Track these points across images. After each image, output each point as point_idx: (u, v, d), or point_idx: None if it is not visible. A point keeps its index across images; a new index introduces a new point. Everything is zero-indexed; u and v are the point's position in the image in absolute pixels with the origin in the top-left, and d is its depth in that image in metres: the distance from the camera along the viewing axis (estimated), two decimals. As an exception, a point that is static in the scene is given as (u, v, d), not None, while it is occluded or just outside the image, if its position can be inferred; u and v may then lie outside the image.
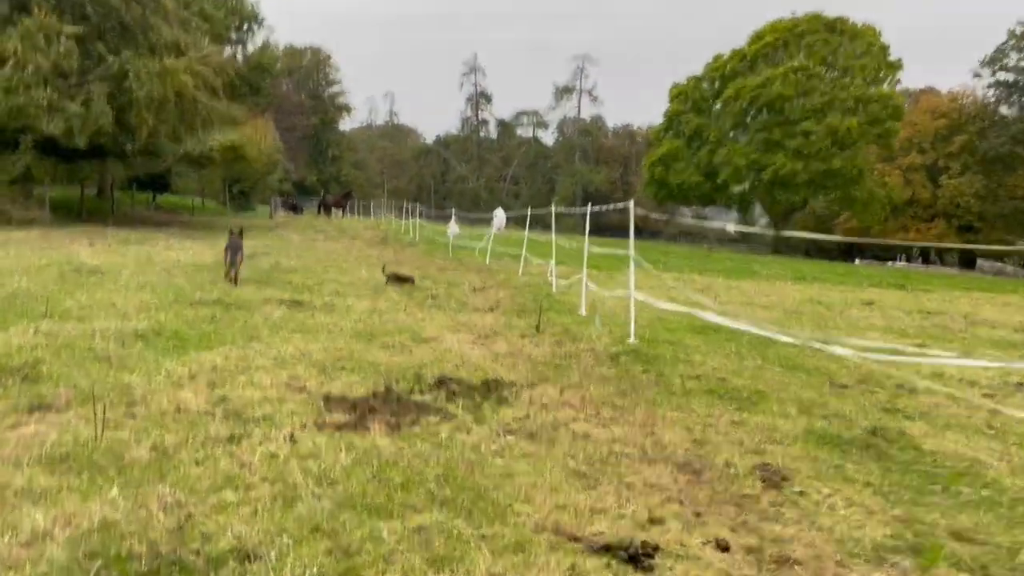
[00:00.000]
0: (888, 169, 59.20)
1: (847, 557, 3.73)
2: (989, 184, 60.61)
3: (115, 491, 3.83)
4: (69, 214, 29.93)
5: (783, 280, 23.39)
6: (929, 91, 71.35)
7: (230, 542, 3.37)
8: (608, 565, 3.48)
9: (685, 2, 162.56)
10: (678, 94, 60.53)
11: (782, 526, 4.05)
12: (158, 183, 46.34)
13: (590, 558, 3.53)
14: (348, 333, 8.77)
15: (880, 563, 3.70)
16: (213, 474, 4.13)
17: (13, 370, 5.96)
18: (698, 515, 4.12)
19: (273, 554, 3.29)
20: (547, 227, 22.48)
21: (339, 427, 5.14)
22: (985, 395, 7.71)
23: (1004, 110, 63.70)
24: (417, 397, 6.11)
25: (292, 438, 4.79)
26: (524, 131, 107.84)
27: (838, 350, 7.24)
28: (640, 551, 3.57)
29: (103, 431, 4.64)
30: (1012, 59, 59.89)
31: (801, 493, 4.55)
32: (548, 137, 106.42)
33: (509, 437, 5.24)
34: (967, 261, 60.26)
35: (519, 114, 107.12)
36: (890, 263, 53.61)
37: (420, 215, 34.40)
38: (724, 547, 3.75)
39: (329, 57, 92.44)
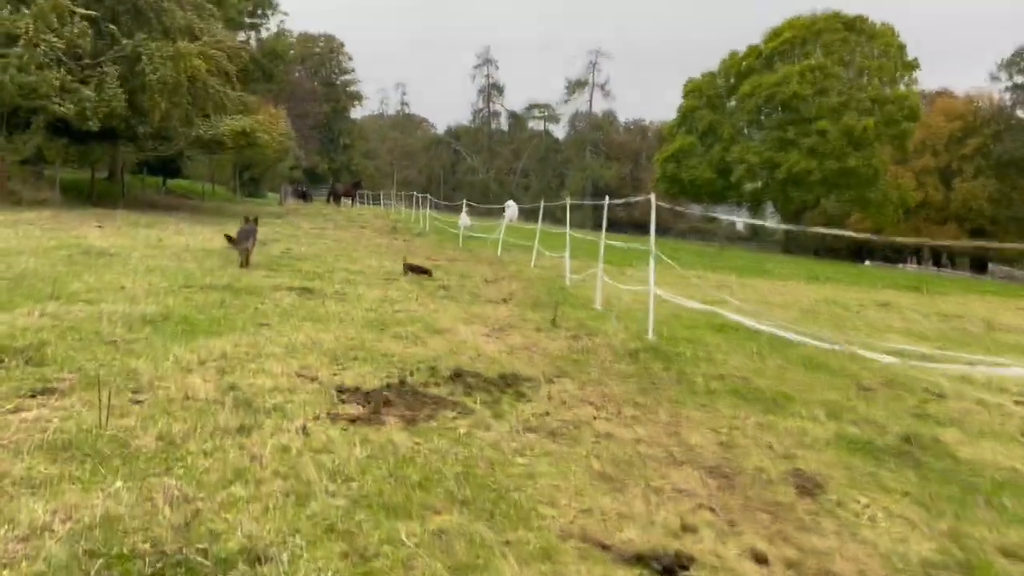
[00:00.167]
0: (901, 171, 58.71)
1: (893, 574, 3.51)
2: (1003, 188, 60.14)
3: (119, 482, 3.63)
4: (79, 196, 29.81)
5: (796, 280, 23.11)
6: (944, 93, 70.76)
7: (240, 542, 3.17)
8: (641, 576, 3.27)
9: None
10: (693, 90, 60.05)
11: (821, 538, 3.83)
12: (169, 167, 46.31)
13: (622, 569, 3.32)
14: (360, 322, 8.56)
15: (928, 581, 3.48)
16: (222, 467, 3.92)
17: (17, 352, 5.76)
18: (732, 524, 3.90)
19: (285, 556, 3.09)
20: (556, 220, 22.31)
21: (353, 420, 4.93)
22: (1016, 402, 7.45)
23: (1021, 113, 63.17)
24: (433, 390, 5.90)
25: (304, 430, 4.59)
26: (535, 124, 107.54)
27: (886, 358, 7.00)
28: (675, 562, 3.35)
29: (108, 418, 4.44)
30: (1031, 62, 59.34)
31: (838, 503, 4.32)
32: (559, 131, 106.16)
33: (529, 435, 5.03)
34: (978, 265, 59.79)
35: (531, 107, 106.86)
36: (900, 265, 53.22)
37: (430, 206, 34.15)
38: (762, 559, 3.53)
39: (342, 45, 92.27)
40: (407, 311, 9.71)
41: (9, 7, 23.40)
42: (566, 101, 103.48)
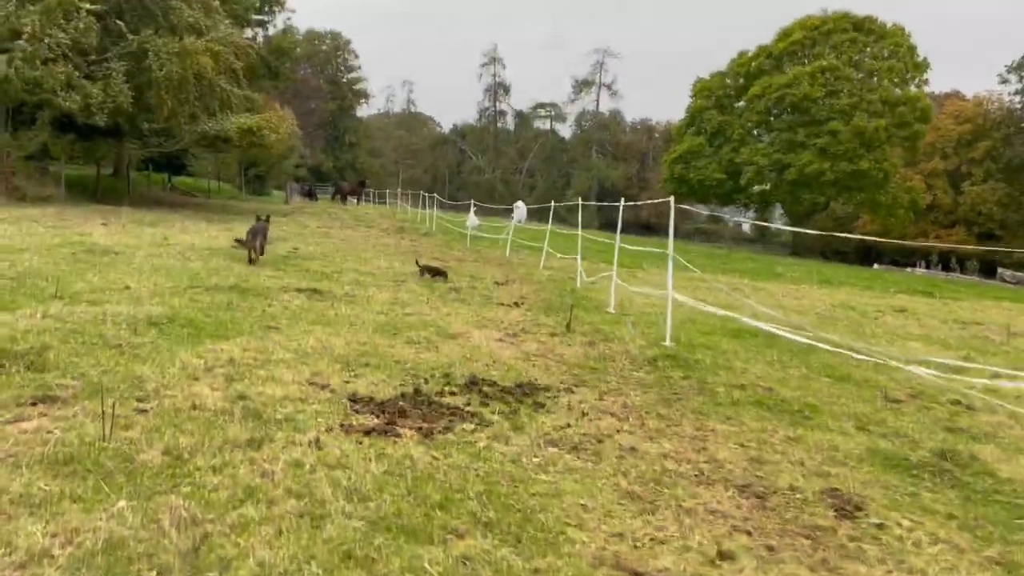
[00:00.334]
0: (910, 174, 58.32)
1: (949, 608, 3.29)
2: (1012, 192, 59.65)
3: (123, 502, 3.42)
4: (84, 193, 29.63)
5: (808, 283, 22.81)
6: (954, 95, 70.29)
7: (252, 570, 2.96)
8: (681, 610, 3.04)
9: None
10: (702, 90, 59.69)
11: (867, 567, 3.60)
12: (174, 164, 46.16)
13: (660, 601, 3.10)
14: (371, 326, 8.35)
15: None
16: (232, 484, 3.71)
17: (18, 356, 5.56)
18: (771, 550, 3.68)
19: (301, 587, 2.87)
20: (560, 220, 22.11)
21: (367, 431, 4.72)
22: (1049, 415, 7.20)
23: (1031, 117, 62.63)
24: (448, 399, 5.68)
25: (317, 443, 4.38)
26: (541, 123, 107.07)
27: (921, 370, 6.75)
28: (717, 595, 3.13)
29: (111, 429, 4.23)
30: (1041, 65, 58.83)
31: (880, 526, 4.09)
32: (565, 130, 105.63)
33: (551, 449, 4.81)
34: (987, 270, 59.34)
35: (537, 106, 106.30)
36: (909, 269, 52.80)
37: (436, 205, 33.93)
38: (807, 591, 3.30)
39: (349, 42, 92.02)
40: (418, 314, 9.50)
41: (15, 3, 23.23)
42: (572, 100, 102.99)
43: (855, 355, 6.88)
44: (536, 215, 39.52)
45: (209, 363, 5.97)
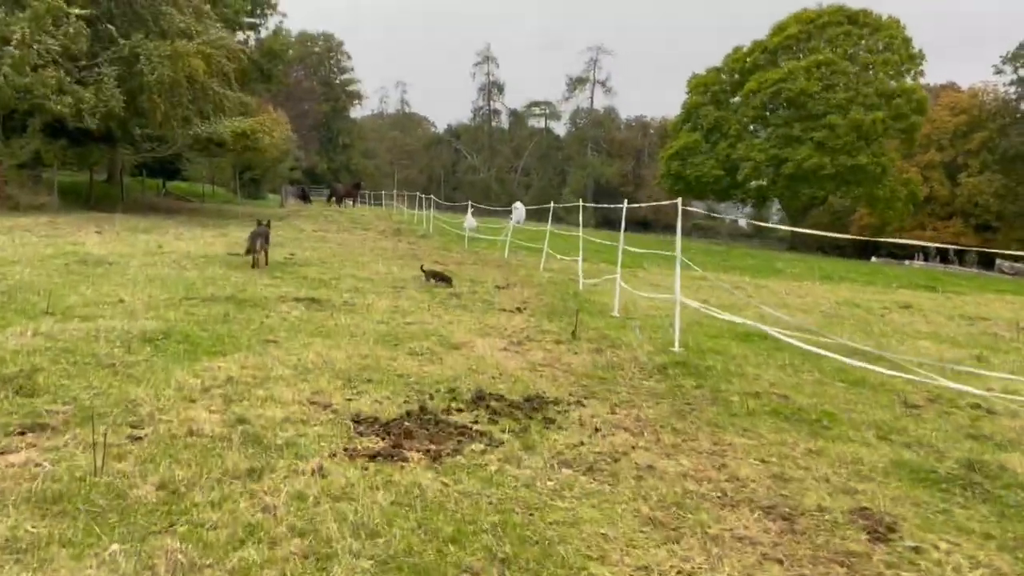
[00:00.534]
0: (906, 166, 58.18)
1: (1001, 645, 3.08)
2: (1008, 183, 59.53)
3: (115, 545, 3.20)
4: (78, 200, 29.38)
5: (810, 280, 22.63)
6: (949, 87, 70.19)
7: (255, 623, 2.74)
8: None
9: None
10: (697, 85, 59.45)
11: (909, 597, 3.39)
12: (168, 169, 45.87)
13: (695, 647, 2.88)
14: (372, 337, 8.13)
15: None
16: (232, 522, 3.49)
17: (6, 380, 5.34)
18: (806, 580, 3.47)
19: (309, 642, 2.66)
20: (557, 219, 21.91)
21: (373, 456, 4.50)
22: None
23: (1026, 107, 62.54)
24: (455, 417, 5.46)
25: (321, 471, 4.16)
26: (536, 122, 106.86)
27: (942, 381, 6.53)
28: (756, 639, 2.92)
29: (104, 460, 4.00)
30: (1036, 55, 58.70)
31: (916, 549, 3.88)
32: (560, 128, 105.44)
33: (565, 470, 4.60)
34: (986, 261, 59.24)
35: (531, 104, 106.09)
36: (907, 261, 52.64)
37: (433, 206, 33.69)
38: (849, 628, 3.09)
39: (341, 44, 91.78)
40: (420, 323, 9.28)
41: (3, 9, 22.95)
42: (567, 98, 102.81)
43: (873, 368, 6.64)
44: (534, 215, 39.33)
45: (206, 382, 5.75)
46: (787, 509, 4.29)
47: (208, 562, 3.13)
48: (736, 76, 57.84)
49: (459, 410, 5.66)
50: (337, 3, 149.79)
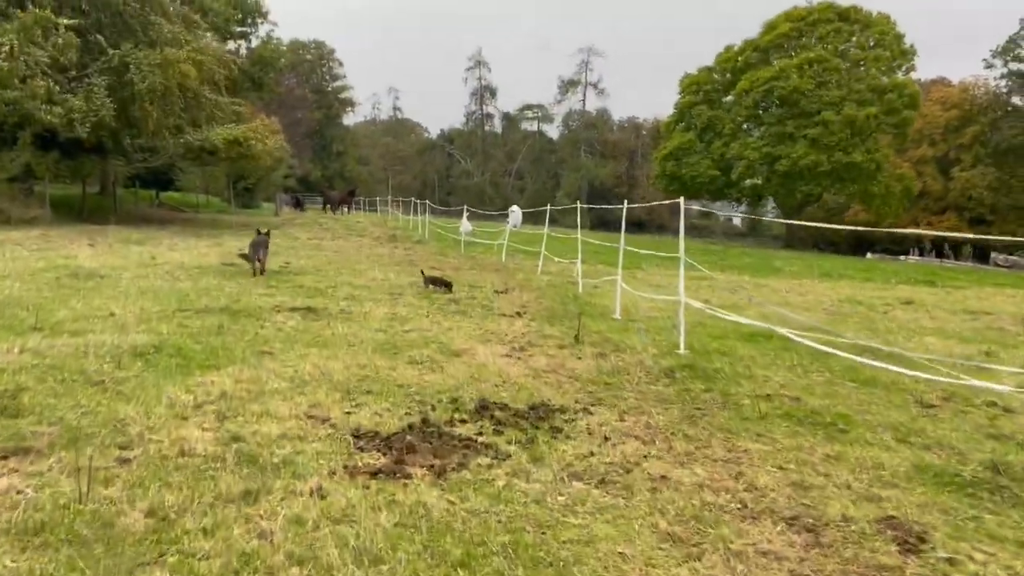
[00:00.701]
0: (899, 162, 58.14)
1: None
2: (1001, 176, 59.53)
3: (101, 580, 2.98)
4: (70, 212, 29.10)
5: (809, 277, 22.47)
6: (940, 82, 70.23)
7: (251, 665, 2.52)
8: None
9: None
10: (689, 85, 59.36)
11: (949, 615, 3.19)
12: (162, 180, 45.60)
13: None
14: (370, 346, 7.92)
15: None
16: (225, 550, 3.27)
17: (-10, 400, 5.12)
18: (838, 599, 3.26)
19: None
20: (552, 221, 21.71)
21: (374, 473, 4.29)
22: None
23: (1017, 100, 62.56)
24: (459, 429, 5.25)
25: (320, 492, 3.94)
26: (529, 125, 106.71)
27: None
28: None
29: (90, 486, 3.79)
30: (1025, 48, 58.74)
31: (951, 561, 3.68)
32: (553, 131, 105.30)
33: (576, 483, 4.39)
34: (980, 255, 59.19)
35: (524, 108, 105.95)
36: (903, 257, 52.58)
37: (428, 211, 33.47)
38: (889, 651, 2.89)
39: (333, 51, 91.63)
40: (419, 330, 9.07)
41: (-10, 21, 22.72)
42: (559, 101, 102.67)
43: (891, 367, 6.43)
44: (529, 218, 39.11)
45: (199, 398, 5.53)
46: (811, 520, 4.08)
47: (200, 597, 2.91)
48: (728, 75, 57.76)
49: (462, 421, 5.45)
50: (327, 11, 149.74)
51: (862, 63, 53.22)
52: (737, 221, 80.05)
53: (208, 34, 31.97)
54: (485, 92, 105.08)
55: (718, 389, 6.88)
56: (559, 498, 4.15)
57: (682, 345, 8.48)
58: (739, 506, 4.21)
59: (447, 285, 12.71)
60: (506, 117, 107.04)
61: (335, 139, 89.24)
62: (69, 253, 15.88)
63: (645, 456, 4.95)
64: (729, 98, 57.76)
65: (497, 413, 5.68)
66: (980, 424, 6.26)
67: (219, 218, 37.51)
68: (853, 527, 4.02)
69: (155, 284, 11.72)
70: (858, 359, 6.59)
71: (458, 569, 3.28)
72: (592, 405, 6.14)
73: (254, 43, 44.17)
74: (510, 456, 4.75)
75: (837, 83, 51.23)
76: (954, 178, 60.99)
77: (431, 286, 12.67)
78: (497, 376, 6.91)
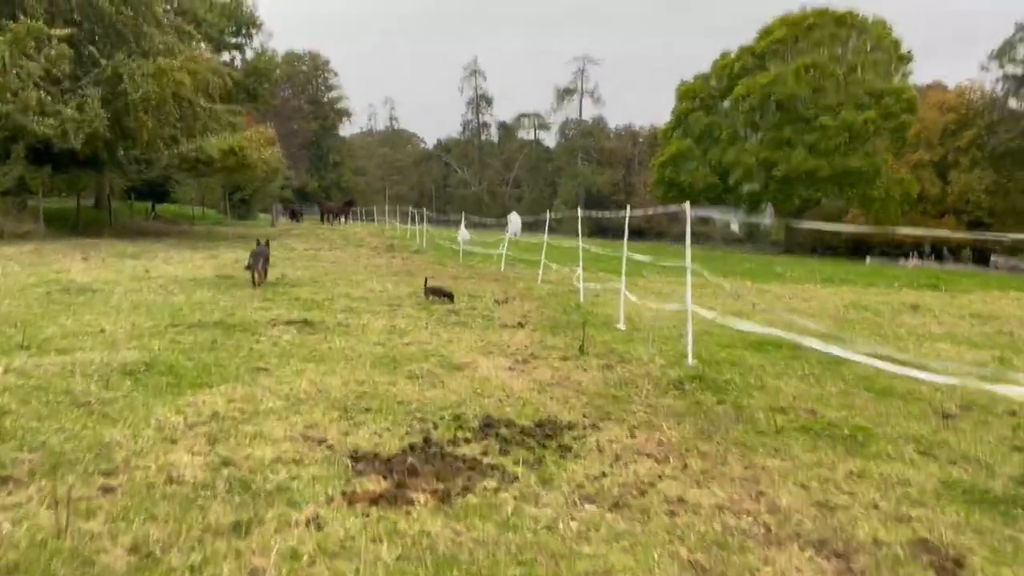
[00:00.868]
0: (896, 166, 58.10)
1: None
2: (999, 179, 59.53)
3: (77, 627, 2.73)
4: (64, 226, 28.85)
5: (811, 283, 22.24)
6: (936, 86, 70.30)
7: None
8: None
9: (686, 1, 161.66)
10: (686, 92, 59.33)
11: (1000, 651, 2.94)
12: (157, 192, 45.35)
13: None
14: (368, 360, 7.66)
15: None
16: (214, 590, 3.02)
17: (-30, 425, 4.86)
18: (878, 634, 3.01)
19: None
20: (550, 229, 21.50)
21: (374, 500, 4.03)
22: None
23: (1013, 104, 62.58)
24: (463, 449, 5.00)
25: (316, 522, 3.69)
26: (525, 133, 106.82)
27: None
28: None
29: (69, 519, 3.53)
30: (1020, 52, 58.73)
31: (993, 589, 3.44)
32: (550, 139, 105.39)
33: (589, 507, 4.13)
34: (980, 258, 59.07)
35: (520, 116, 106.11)
36: (902, 260, 52.45)
37: (425, 221, 33.25)
38: None
39: (328, 62, 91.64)
40: (418, 343, 8.82)
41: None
42: (556, 110, 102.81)
43: (916, 374, 6.17)
44: (526, 226, 38.89)
45: (189, 419, 5.28)
46: (840, 544, 3.83)
47: (185, 646, 2.66)
48: (725, 82, 57.72)
49: (466, 440, 5.19)
50: (322, 22, 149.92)
51: (859, 67, 53.20)
52: (735, 227, 79.91)
53: (202, 45, 31.79)
54: (481, 101, 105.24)
55: (730, 401, 6.63)
56: (571, 524, 3.90)
57: (690, 355, 8.23)
58: (763, 530, 3.96)
59: (448, 295, 12.46)
60: (502, 126, 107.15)
61: (331, 150, 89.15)
62: (61, 268, 15.63)
63: (659, 476, 4.70)
64: (726, 104, 57.71)
65: (502, 431, 5.43)
66: (1004, 436, 6.02)
67: (215, 230, 37.27)
68: (885, 551, 3.77)
69: (148, 298, 11.47)
70: (879, 364, 6.33)
71: (466, 607, 3.02)
72: (600, 420, 5.89)
73: (248, 54, 43.95)
74: (517, 478, 4.49)
75: (834, 88, 51.17)
76: (952, 182, 60.96)
77: (432, 296, 12.42)
78: (500, 390, 6.66)
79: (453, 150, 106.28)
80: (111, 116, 23.70)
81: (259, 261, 13.62)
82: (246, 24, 41.98)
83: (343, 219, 48.26)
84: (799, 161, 50.49)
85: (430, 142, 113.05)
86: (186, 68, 24.42)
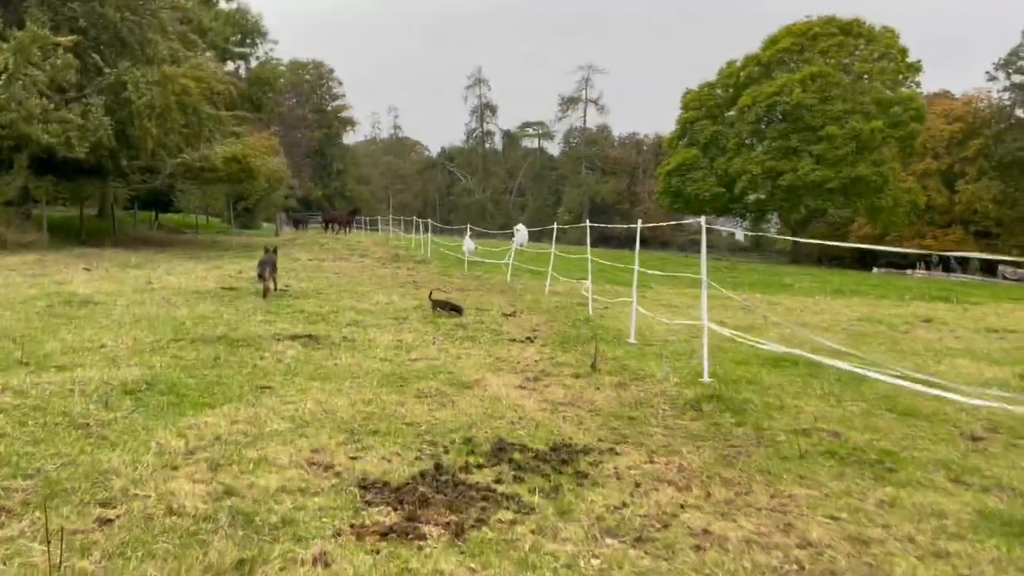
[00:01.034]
0: (904, 175, 57.83)
1: None
2: (1006, 189, 59.17)
3: None
4: (68, 236, 28.72)
5: (821, 294, 22.00)
6: (943, 95, 70.05)
7: None
8: None
9: (689, 10, 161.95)
10: (691, 101, 59.16)
11: None
12: (161, 201, 45.23)
13: None
14: (375, 378, 7.47)
15: None
16: (215, 640, 2.81)
17: (-38, 450, 4.67)
18: None
19: None
20: (553, 240, 21.34)
21: (384, 534, 3.82)
22: None
23: (1020, 113, 62.36)
24: (476, 476, 4.79)
25: (324, 559, 3.48)
26: (530, 142, 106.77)
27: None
28: None
29: (63, 557, 3.33)
30: (1028, 61, 58.59)
31: (1047, 636, 3.22)
32: (554, 148, 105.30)
33: (610, 541, 3.92)
34: (988, 268, 58.72)
35: (524, 125, 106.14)
36: (909, 271, 52.10)
37: (430, 230, 33.09)
38: None
39: (332, 70, 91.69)
40: (426, 359, 8.62)
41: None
42: (560, 118, 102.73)
43: (946, 395, 5.94)
44: (531, 236, 38.69)
45: (191, 443, 5.08)
46: (878, 584, 3.62)
47: None
48: (730, 90, 57.54)
49: (479, 466, 4.98)
50: (326, 30, 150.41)
51: (866, 76, 53.00)
52: (740, 236, 79.65)
53: (207, 53, 31.77)
54: (485, 110, 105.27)
55: (750, 423, 6.41)
56: (593, 561, 3.68)
57: (706, 373, 8.02)
58: (796, 567, 3.74)
59: (457, 309, 12.25)
60: (507, 135, 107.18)
61: (335, 158, 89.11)
62: (64, 279, 15.45)
63: (682, 506, 4.49)
64: (731, 113, 57.51)
65: (516, 456, 5.22)
66: (1036, 460, 5.79)
67: (218, 239, 37.15)
68: (927, 593, 3.56)
69: (150, 311, 11.28)
70: (904, 384, 6.11)
71: (486, 659, 2.81)
72: (618, 444, 5.68)
73: (253, 63, 44.04)
74: (534, 509, 4.28)
75: (841, 97, 50.96)
76: (959, 191, 60.63)
77: (438, 310, 12.20)
78: (512, 411, 6.45)
79: (457, 158, 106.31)
80: (115, 124, 23.61)
81: (266, 269, 13.58)
82: (251, 33, 42.13)
83: (347, 229, 48.11)
84: (806, 170, 50.21)
85: (434, 150, 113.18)
86: (191, 75, 24.34)
